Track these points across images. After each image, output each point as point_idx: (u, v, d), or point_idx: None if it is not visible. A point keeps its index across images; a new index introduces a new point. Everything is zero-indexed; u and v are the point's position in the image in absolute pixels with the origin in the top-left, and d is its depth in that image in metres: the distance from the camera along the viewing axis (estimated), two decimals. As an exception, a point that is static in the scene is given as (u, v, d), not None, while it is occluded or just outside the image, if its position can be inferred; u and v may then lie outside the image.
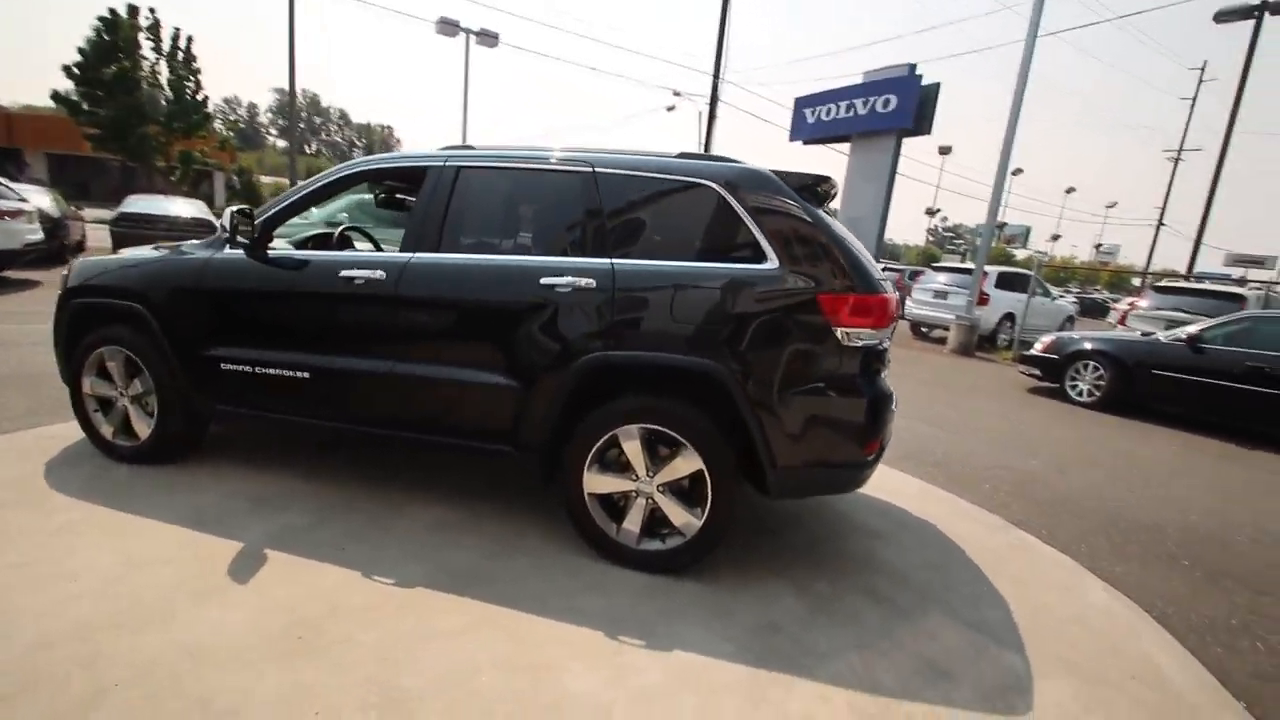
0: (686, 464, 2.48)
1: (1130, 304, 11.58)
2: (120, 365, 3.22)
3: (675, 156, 2.68)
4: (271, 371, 2.93)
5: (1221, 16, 13.63)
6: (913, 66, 15.01)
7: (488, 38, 18.60)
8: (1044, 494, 4.23)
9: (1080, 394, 7.69)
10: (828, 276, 2.39)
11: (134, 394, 3.23)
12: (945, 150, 41.96)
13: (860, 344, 2.39)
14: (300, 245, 3.45)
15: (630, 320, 2.48)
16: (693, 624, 2.28)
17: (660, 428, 2.49)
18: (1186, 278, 13.98)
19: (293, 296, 2.91)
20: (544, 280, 2.56)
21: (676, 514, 2.54)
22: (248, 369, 2.97)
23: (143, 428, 3.24)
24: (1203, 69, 32.09)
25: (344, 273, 2.79)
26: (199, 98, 23.52)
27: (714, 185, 2.51)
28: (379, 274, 2.74)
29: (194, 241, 3.34)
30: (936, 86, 14.19)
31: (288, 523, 2.77)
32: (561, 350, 2.54)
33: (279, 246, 3.14)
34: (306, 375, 2.88)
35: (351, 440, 3.73)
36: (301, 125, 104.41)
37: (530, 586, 2.43)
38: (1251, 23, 13.83)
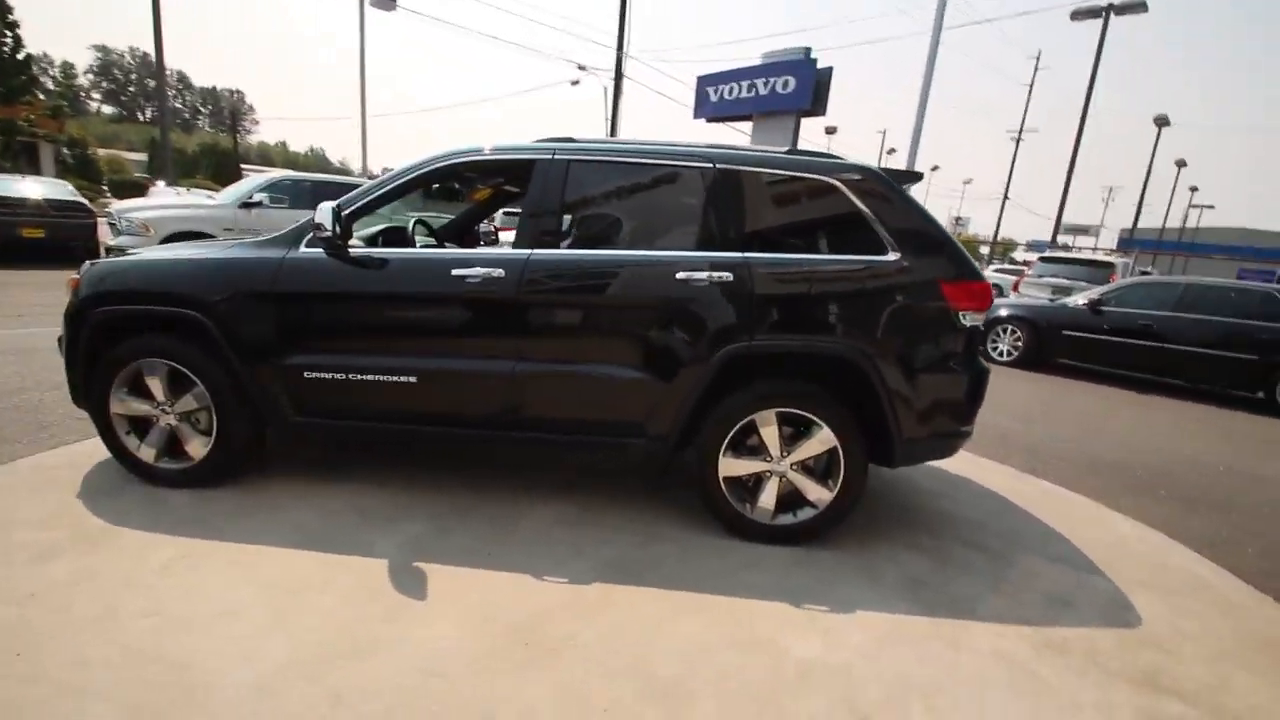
0: (820, 442, 2.68)
1: (1022, 274, 13.16)
2: (163, 380, 2.87)
3: (785, 153, 2.81)
4: (370, 379, 2.76)
5: (1077, 15, 15.62)
6: (807, 50, 15.91)
7: (384, 0, 17.25)
8: (1023, 444, 4.88)
9: (1001, 354, 8.73)
10: (945, 265, 2.65)
11: (183, 410, 2.90)
12: (831, 130, 44.60)
13: (970, 324, 2.68)
14: (370, 242, 3.22)
15: (769, 311, 2.61)
16: (854, 587, 2.50)
17: (797, 410, 2.66)
18: (1066, 248, 15.99)
19: (396, 297, 2.74)
20: (680, 275, 2.61)
21: (810, 489, 2.73)
22: (339, 377, 2.77)
23: (196, 447, 2.93)
24: (1038, 58, 36.42)
25: (456, 271, 2.68)
26: (20, 56, 19.99)
27: (836, 181, 2.67)
28: (498, 272, 2.66)
29: (245, 239, 3.02)
30: (830, 70, 15.14)
31: (411, 533, 2.67)
32: (700, 342, 2.62)
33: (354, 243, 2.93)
34: (414, 380, 2.75)
35: (409, 444, 3.58)
36: (132, 89, 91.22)
37: (694, 569, 2.53)
38: (1100, 21, 15.93)
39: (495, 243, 4.79)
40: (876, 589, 2.50)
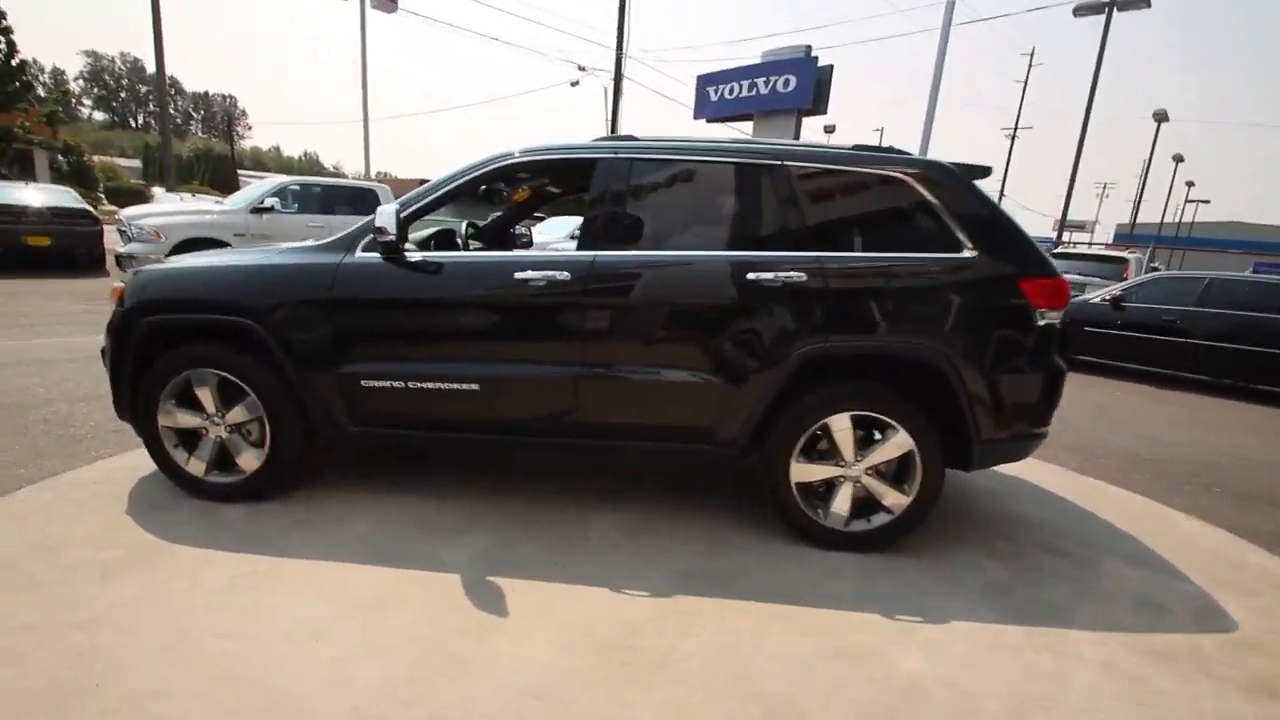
0: (896, 446, 2.61)
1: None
2: (213, 390, 2.79)
3: (850, 149, 2.74)
4: (430, 386, 2.67)
5: (1080, 11, 15.63)
6: (808, 48, 15.89)
7: (387, 1, 17.11)
8: (1064, 442, 4.82)
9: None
10: (1022, 261, 2.58)
11: (234, 422, 2.81)
12: (830, 129, 44.67)
13: (1047, 323, 2.62)
14: (422, 245, 3.13)
15: (844, 311, 2.54)
16: (940, 595, 2.43)
17: (872, 413, 2.59)
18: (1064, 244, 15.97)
19: (457, 303, 2.66)
20: (751, 275, 2.54)
21: (886, 494, 2.66)
22: (398, 385, 2.69)
23: (249, 459, 2.84)
24: (1031, 54, 36.51)
25: (520, 274, 2.60)
26: (14, 62, 19.80)
27: (906, 177, 2.61)
28: (563, 275, 2.58)
29: (297, 243, 2.93)
30: (830, 68, 15.09)
31: (477, 545, 2.58)
32: (773, 344, 2.55)
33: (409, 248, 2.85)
34: (476, 387, 2.67)
35: (460, 453, 3.50)
36: (124, 95, 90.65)
37: (775, 579, 2.46)
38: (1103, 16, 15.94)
39: (529, 244, 4.70)
40: (963, 597, 2.43)
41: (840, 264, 2.55)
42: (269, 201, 8.99)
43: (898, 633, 2.17)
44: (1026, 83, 36.23)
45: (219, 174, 37.72)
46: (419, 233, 3.25)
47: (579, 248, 2.66)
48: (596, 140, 2.82)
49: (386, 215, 2.52)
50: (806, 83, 15.19)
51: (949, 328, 2.54)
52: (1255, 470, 4.49)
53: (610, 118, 23.34)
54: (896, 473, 2.69)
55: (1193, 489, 3.99)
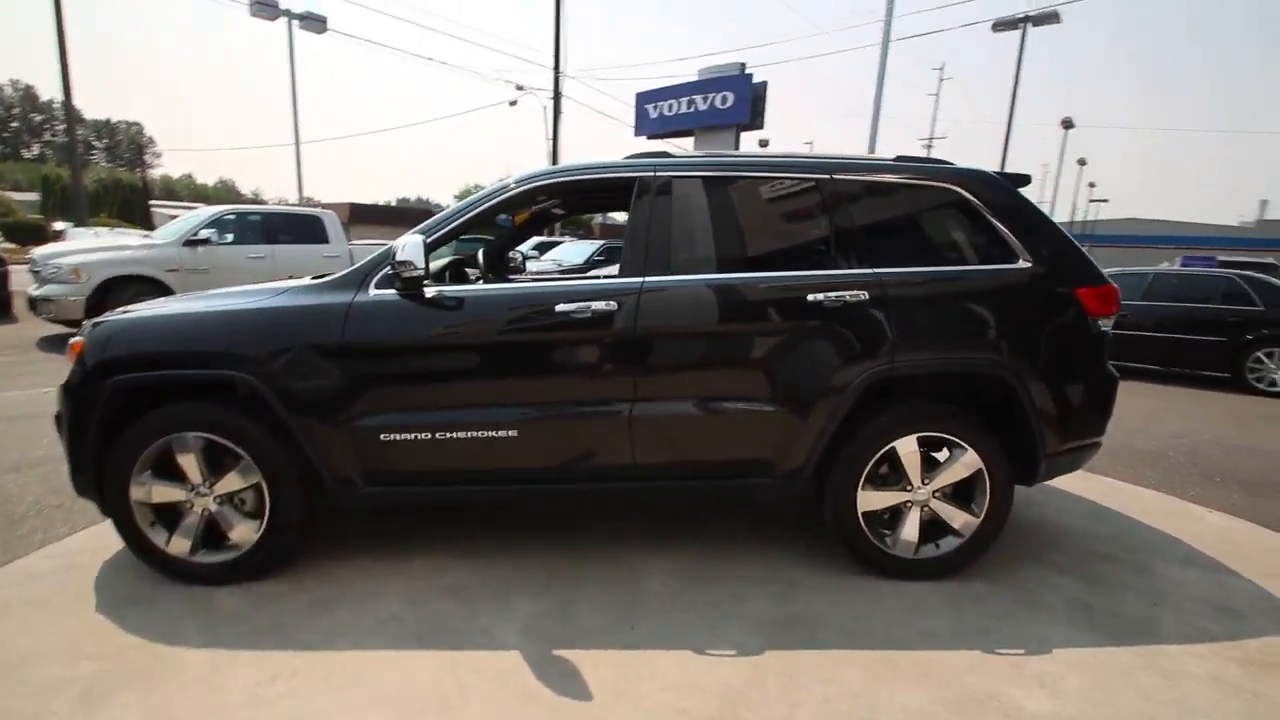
0: (965, 466, 2.50)
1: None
2: (199, 456, 2.41)
3: (895, 159, 2.65)
4: (462, 436, 2.39)
5: (998, 27, 16.66)
6: (743, 65, 16.32)
7: (314, 22, 16.39)
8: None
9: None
10: (1078, 270, 2.54)
11: (225, 491, 2.44)
12: (764, 143, 45.97)
13: (1103, 330, 2.58)
14: (438, 278, 2.83)
15: (908, 329, 2.42)
16: (1029, 621, 2.32)
17: (940, 434, 2.48)
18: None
19: (490, 341, 2.39)
20: (811, 297, 2.40)
21: (955, 517, 2.55)
22: (424, 437, 2.39)
23: (244, 532, 2.46)
24: (941, 69, 38.92)
25: (562, 306, 2.36)
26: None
27: (956, 187, 2.53)
28: (609, 304, 2.36)
29: (290, 282, 2.59)
30: (765, 84, 15.59)
31: (526, 613, 2.30)
32: (837, 368, 2.41)
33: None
34: (514, 434, 2.40)
35: (476, 505, 3.19)
36: (15, 124, 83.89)
37: (859, 621, 2.29)
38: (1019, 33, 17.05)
39: (523, 270, 4.42)
40: (1051, 620, 2.33)
41: (901, 280, 2.44)
42: (204, 233, 8.30)
43: (1008, 670, 2.03)
44: (939, 96, 38.57)
45: (129, 205, 35.13)
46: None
47: (621, 273, 2.44)
48: (630, 158, 2.62)
49: (413, 247, 2.24)
50: (744, 99, 15.57)
51: (1013, 341, 2.47)
52: (1245, 457, 4.68)
53: (552, 136, 23.20)
54: (963, 493, 2.58)
55: (1197, 480, 4.09)
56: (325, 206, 14.43)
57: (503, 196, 2.50)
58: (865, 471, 2.49)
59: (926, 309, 2.45)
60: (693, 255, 2.50)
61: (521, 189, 2.50)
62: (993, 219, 2.52)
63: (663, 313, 2.39)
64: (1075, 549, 2.94)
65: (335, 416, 2.36)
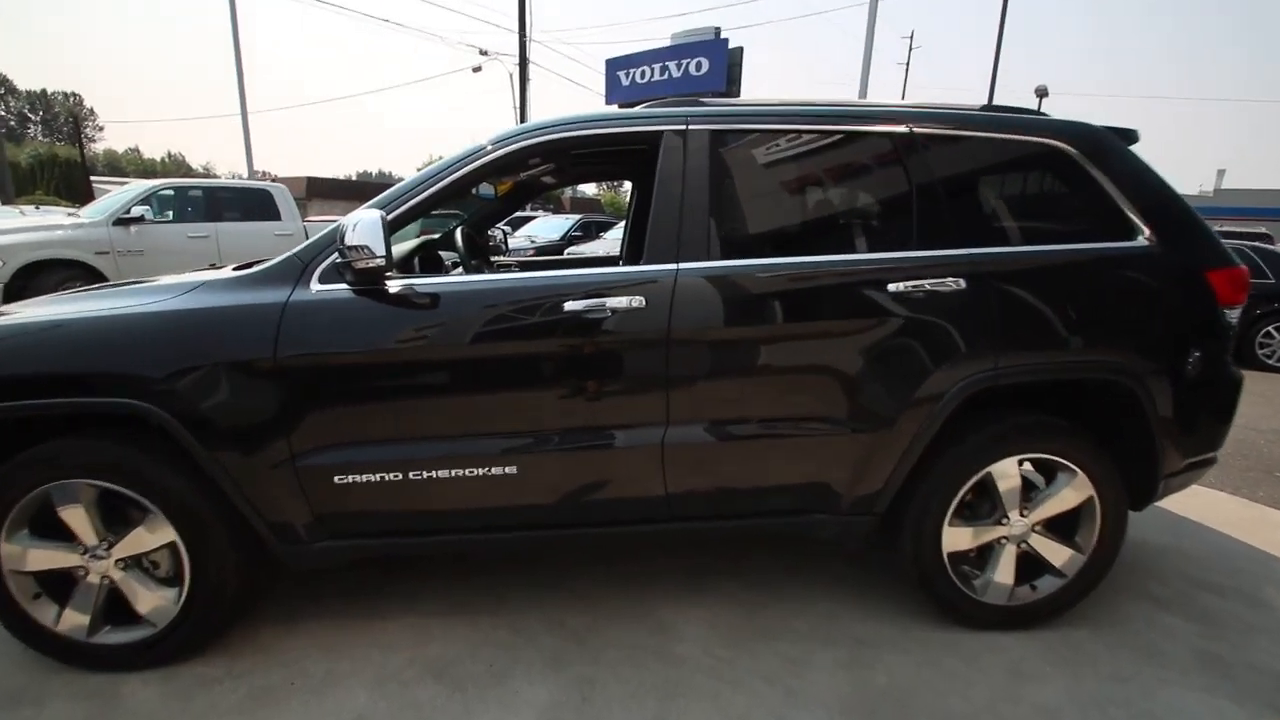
0: (1075, 493, 2.03)
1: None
2: (90, 510, 1.81)
3: (982, 109, 2.12)
4: (443, 475, 1.83)
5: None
6: (718, 30, 15.59)
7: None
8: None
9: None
10: (1205, 249, 2.06)
11: (131, 553, 1.84)
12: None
13: (1231, 323, 2.11)
14: (405, 266, 2.23)
15: (1014, 325, 1.92)
16: (1160, 682, 1.88)
17: (1048, 455, 1.99)
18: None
19: (479, 352, 1.81)
20: (894, 286, 1.87)
21: (1056, 553, 2.09)
22: (393, 477, 1.82)
23: (159, 603, 1.88)
24: (911, 37, 38.32)
25: (572, 305, 1.79)
26: None
27: (1062, 144, 2.01)
28: (636, 301, 1.80)
29: (206, 273, 1.97)
30: (740, 50, 14.93)
31: (539, 701, 1.78)
32: (927, 374, 1.89)
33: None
34: (513, 470, 1.84)
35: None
36: (-64, 95, 78.10)
37: (958, 694, 1.82)
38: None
39: (506, 250, 3.80)
40: (1184, 681, 1.90)
41: (1004, 262, 1.93)
42: (137, 210, 7.40)
43: (1166, 769, 1.58)
44: (909, 65, 38.05)
45: (69, 182, 32.82)
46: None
47: (647, 260, 1.88)
48: (650, 107, 2.03)
49: (368, 227, 1.64)
50: (720, 65, 14.89)
51: (1138, 337, 1.98)
52: (1287, 444, 4.36)
53: (519, 105, 22.10)
54: (1066, 524, 2.11)
55: (1260, 477, 3.74)
56: (280, 181, 13.38)
57: (481, 161, 1.89)
58: (955, 502, 2.00)
59: (1035, 299, 1.94)
60: (740, 234, 1.96)
61: (505, 150, 1.89)
62: (1107, 184, 2.01)
63: (704, 309, 1.84)
64: (1170, 574, 2.52)
65: (271, 454, 1.78)
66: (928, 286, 1.87)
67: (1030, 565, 2.11)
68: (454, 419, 1.83)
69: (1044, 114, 2.14)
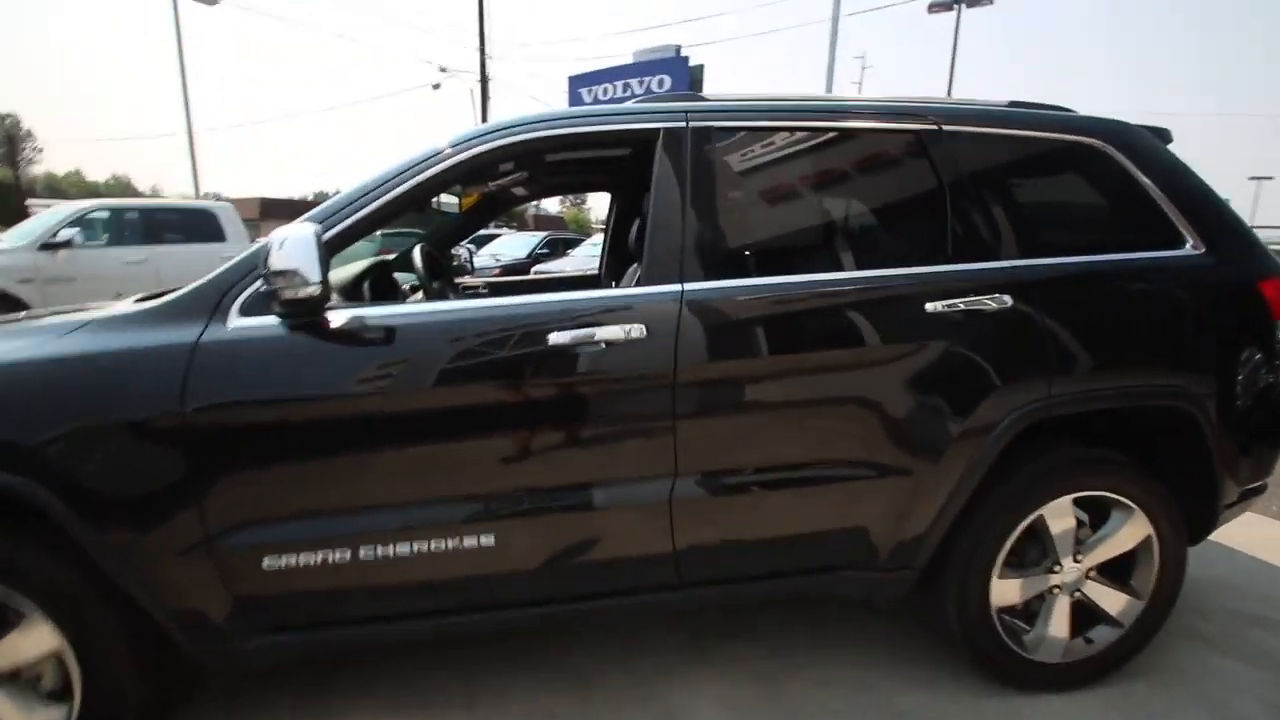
0: (1132, 533, 1.80)
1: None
2: (-56, 614, 1.41)
3: (1008, 105, 1.90)
4: (404, 551, 1.48)
5: (933, 9, 16.53)
6: (678, 48, 15.65)
7: (203, -8, 14.43)
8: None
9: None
10: (1257, 259, 1.86)
11: (3, 666, 1.45)
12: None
13: (1282, 336, 1.92)
14: (351, 294, 1.88)
15: (1067, 347, 1.68)
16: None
17: (1104, 492, 1.75)
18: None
19: (444, 397, 1.48)
20: (931, 306, 1.61)
21: (1112, 600, 1.84)
22: (340, 557, 1.47)
23: (41, 729, 1.47)
24: (863, 58, 39.55)
25: (557, 337, 1.48)
26: None
27: (1104, 145, 1.80)
28: (635, 330, 1.50)
29: (99, 309, 1.60)
30: (701, 68, 15.00)
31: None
32: (973, 406, 1.63)
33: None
34: (490, 541, 1.51)
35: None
36: None
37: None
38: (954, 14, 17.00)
39: (471, 270, 3.46)
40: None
41: (1050, 276, 1.69)
42: (65, 234, 6.82)
43: None
44: (861, 84, 39.23)
45: (2, 204, 31.05)
46: (336, 273, 1.98)
47: (645, 280, 1.58)
48: (644, 102, 1.75)
49: (298, 246, 1.31)
50: (682, 83, 14.87)
51: (1196, 356, 1.77)
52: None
53: (480, 123, 21.75)
54: (1120, 567, 1.87)
55: None
56: (232, 202, 12.70)
57: (438, 166, 1.57)
58: (1003, 550, 1.74)
59: (1087, 316, 1.71)
60: (753, 247, 1.68)
61: (466, 154, 1.58)
62: (1149, 186, 1.80)
63: (715, 337, 1.55)
64: (1216, 609, 2.31)
65: (182, 535, 1.41)
66: (970, 305, 1.62)
67: (1084, 616, 1.87)
68: (415, 481, 1.50)
69: (1072, 110, 1.93)
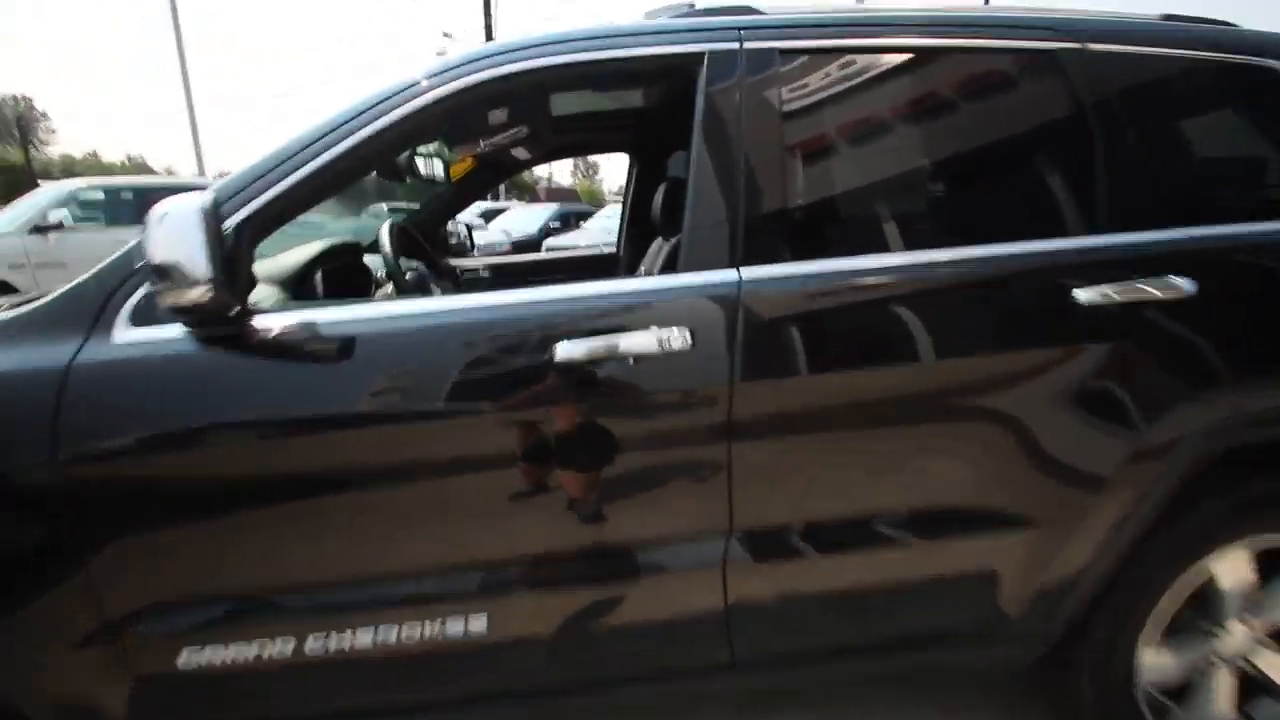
0: (1313, 584, 1.37)
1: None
2: None
3: (1162, 19, 1.42)
4: (364, 639, 1.10)
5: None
6: (692, 3, 14.83)
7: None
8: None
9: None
10: None
11: None
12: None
13: None
14: (296, 290, 1.47)
15: (1257, 348, 1.23)
16: None
17: (1285, 535, 1.32)
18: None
19: (415, 435, 1.09)
20: (1084, 295, 1.16)
21: (1285, 670, 1.42)
22: (279, 651, 1.09)
23: None
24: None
25: (566, 349, 1.06)
26: None
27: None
28: (677, 338, 1.07)
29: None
30: None
31: None
32: (1142, 432, 1.20)
33: (261, 297, 1.24)
34: (480, 623, 1.12)
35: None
36: (-128, 100, 74.43)
37: None
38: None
39: (471, 249, 3.04)
40: None
41: (1240, 249, 1.23)
42: (55, 215, 6.49)
43: None
44: None
45: (14, 187, 31.05)
46: (277, 261, 1.56)
47: (686, 265, 1.15)
48: (681, 15, 1.28)
49: (179, 227, 0.91)
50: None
51: None
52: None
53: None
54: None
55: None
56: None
57: (409, 106, 1.13)
58: (1159, 611, 1.32)
59: (1272, 304, 1.26)
60: (835, 217, 1.25)
61: (448, 87, 1.13)
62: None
63: (788, 344, 1.12)
64: None
65: (65, 627, 1.04)
66: (1135, 291, 1.17)
67: (1248, 685, 1.45)
68: (381, 546, 1.11)
69: (1229, 23, 1.45)
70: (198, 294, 0.90)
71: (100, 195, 7.30)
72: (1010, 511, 1.22)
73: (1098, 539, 1.23)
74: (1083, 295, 1.16)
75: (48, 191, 7.06)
